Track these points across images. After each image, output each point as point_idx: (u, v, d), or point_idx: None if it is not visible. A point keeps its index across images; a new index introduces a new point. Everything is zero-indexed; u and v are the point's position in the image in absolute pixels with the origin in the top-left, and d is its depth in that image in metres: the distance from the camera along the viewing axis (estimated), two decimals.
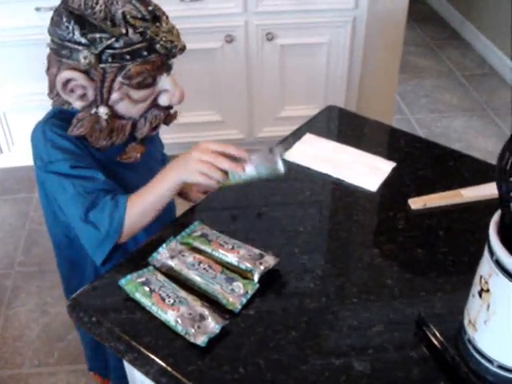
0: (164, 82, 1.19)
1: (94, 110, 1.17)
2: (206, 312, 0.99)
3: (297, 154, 1.43)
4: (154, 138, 1.36)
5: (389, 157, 1.42)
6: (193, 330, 0.96)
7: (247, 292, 1.04)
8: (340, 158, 1.41)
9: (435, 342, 0.97)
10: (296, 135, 1.50)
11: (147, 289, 1.03)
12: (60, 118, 1.23)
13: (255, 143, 2.92)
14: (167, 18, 1.18)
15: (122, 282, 1.05)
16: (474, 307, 0.90)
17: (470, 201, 1.28)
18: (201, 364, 0.94)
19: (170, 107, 1.24)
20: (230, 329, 0.99)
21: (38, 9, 2.43)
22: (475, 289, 0.90)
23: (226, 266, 1.09)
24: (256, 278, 1.06)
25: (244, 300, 1.03)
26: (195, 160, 1.11)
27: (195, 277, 1.06)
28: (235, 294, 1.03)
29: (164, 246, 1.13)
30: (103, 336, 1.01)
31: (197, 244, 1.13)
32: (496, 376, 0.90)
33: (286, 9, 2.55)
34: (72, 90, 1.16)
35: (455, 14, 4.39)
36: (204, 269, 1.07)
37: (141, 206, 1.16)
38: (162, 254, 1.12)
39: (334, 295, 1.07)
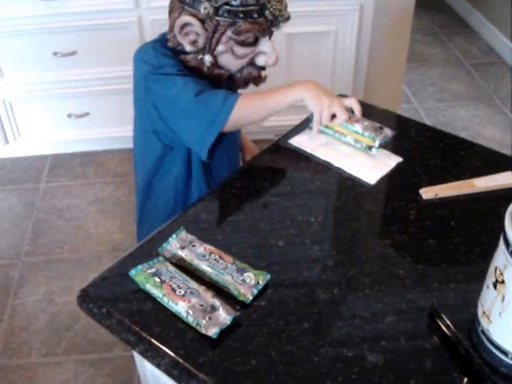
0: (264, 44, 1.34)
1: (200, 56, 1.33)
2: (218, 303, 0.98)
3: (304, 141, 1.42)
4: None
5: (399, 146, 1.41)
6: (204, 322, 0.95)
7: (258, 283, 1.04)
8: (345, 148, 1.40)
9: (448, 334, 0.96)
10: (304, 124, 1.48)
11: (158, 280, 1.02)
12: (165, 44, 1.38)
13: (260, 132, 2.90)
14: None
15: (133, 272, 1.04)
16: (489, 298, 0.89)
17: (482, 191, 1.26)
18: (212, 356, 0.93)
19: (263, 68, 1.39)
20: (242, 320, 0.98)
21: None
22: (490, 280, 0.89)
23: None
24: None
25: (255, 291, 1.03)
26: (329, 99, 1.33)
27: (206, 267, 1.06)
28: (246, 285, 1.03)
29: (174, 236, 1.12)
30: (113, 327, 1.00)
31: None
32: (510, 367, 0.89)
33: None
34: (187, 34, 1.31)
35: (462, 2, 4.35)
36: (215, 259, 1.07)
37: (254, 103, 1.33)
38: (172, 245, 1.11)
39: (346, 286, 1.06)
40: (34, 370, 2.00)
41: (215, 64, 1.35)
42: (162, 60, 1.34)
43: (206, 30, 1.29)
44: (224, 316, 0.96)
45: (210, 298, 0.99)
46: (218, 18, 1.27)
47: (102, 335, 2.06)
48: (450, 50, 3.92)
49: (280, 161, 1.41)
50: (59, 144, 2.93)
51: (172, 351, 0.94)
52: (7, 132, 2.83)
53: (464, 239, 1.16)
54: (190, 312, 0.97)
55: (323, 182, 1.34)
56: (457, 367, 0.93)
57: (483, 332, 0.92)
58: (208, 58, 1.33)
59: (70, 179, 2.82)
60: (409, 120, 1.57)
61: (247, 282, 1.03)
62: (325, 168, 1.35)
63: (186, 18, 1.28)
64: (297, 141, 1.42)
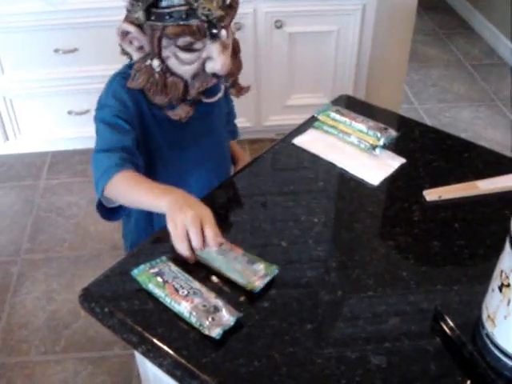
0: (209, 49, 1.22)
1: (148, 62, 1.25)
2: (221, 304, 0.97)
3: (308, 141, 1.42)
4: (220, 105, 1.44)
5: (402, 147, 1.40)
6: (207, 322, 0.95)
7: (267, 274, 1.04)
8: (349, 149, 1.39)
9: (452, 336, 0.96)
10: (308, 124, 1.48)
11: (160, 280, 1.02)
12: (129, 72, 1.31)
13: (262, 131, 2.90)
14: None
15: (135, 272, 1.04)
16: (494, 302, 0.88)
17: (486, 193, 1.26)
18: (215, 357, 0.93)
19: (217, 76, 1.27)
20: (245, 321, 0.98)
21: None
22: (495, 283, 0.88)
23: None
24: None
25: (265, 281, 1.03)
26: (186, 214, 1.06)
27: (217, 255, 1.06)
28: (256, 275, 1.04)
29: None
30: (116, 327, 1.00)
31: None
32: None
33: None
34: (130, 42, 1.26)
35: (464, 3, 4.35)
36: (224, 250, 1.08)
37: (126, 189, 1.20)
38: None
39: (349, 287, 1.06)
40: (33, 367, 2.00)
41: (167, 70, 1.26)
42: (108, 100, 1.29)
43: (145, 34, 1.23)
44: (227, 317, 0.96)
45: (213, 298, 0.98)
46: (150, 23, 1.20)
47: (101, 333, 2.05)
48: (451, 50, 3.92)
49: (283, 161, 1.40)
50: (59, 141, 2.92)
51: (175, 352, 0.94)
52: (7, 129, 2.82)
53: (468, 241, 1.15)
54: (193, 312, 0.96)
55: (326, 182, 1.33)
56: (460, 370, 0.92)
57: (487, 335, 0.91)
58: (156, 63, 1.24)
59: (70, 176, 2.81)
60: (412, 121, 1.56)
61: (257, 272, 1.04)
62: (328, 168, 1.35)
63: (124, 26, 1.23)
64: (300, 141, 1.42)
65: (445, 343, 0.96)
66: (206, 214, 1.08)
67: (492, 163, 1.38)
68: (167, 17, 1.18)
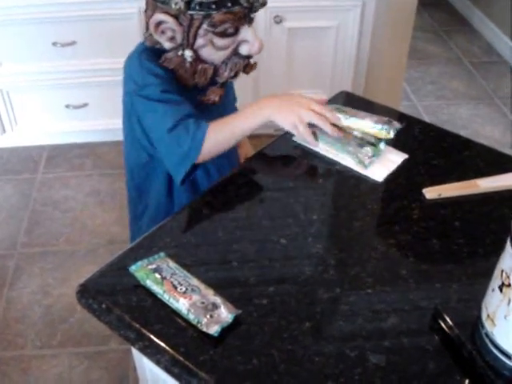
0: (245, 32, 1.29)
1: (180, 52, 1.29)
2: (219, 301, 0.97)
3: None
4: (229, 87, 1.52)
5: (402, 145, 1.39)
6: (205, 320, 0.94)
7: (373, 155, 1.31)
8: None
9: (451, 335, 0.96)
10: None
11: (158, 276, 1.01)
12: (150, 52, 1.34)
13: (261, 127, 2.89)
14: None
15: (133, 268, 1.03)
16: (494, 301, 0.88)
17: (486, 191, 1.25)
18: (213, 354, 0.92)
19: (249, 56, 1.34)
20: (243, 319, 0.97)
21: None
22: (495, 283, 0.88)
23: None
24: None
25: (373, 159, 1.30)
26: (296, 112, 1.29)
27: (333, 140, 1.34)
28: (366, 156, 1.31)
29: None
30: (113, 323, 0.99)
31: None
32: None
33: None
34: (163, 32, 1.27)
35: (463, 1, 4.34)
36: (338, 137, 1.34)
37: (221, 134, 1.30)
38: None
39: (349, 285, 1.05)
40: (29, 362, 1.99)
41: (197, 58, 1.31)
42: (147, 79, 1.30)
43: (181, 25, 1.25)
44: (225, 314, 0.95)
45: (211, 295, 0.98)
46: (190, 12, 1.22)
47: (97, 328, 2.04)
48: (450, 48, 3.91)
49: (283, 157, 1.40)
50: (57, 135, 2.91)
51: (172, 349, 0.93)
52: (4, 122, 2.81)
53: (467, 240, 1.15)
54: (191, 310, 0.95)
55: (326, 179, 1.33)
56: (459, 370, 0.92)
57: (487, 335, 0.91)
58: (188, 53, 1.28)
59: (67, 170, 2.80)
60: (411, 118, 1.55)
61: (367, 153, 1.32)
62: (328, 165, 1.34)
63: (158, 16, 1.25)
64: (301, 137, 1.41)
65: (444, 342, 0.96)
66: (307, 101, 1.31)
67: (492, 161, 1.37)
68: (213, 5, 1.21)
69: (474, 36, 4.06)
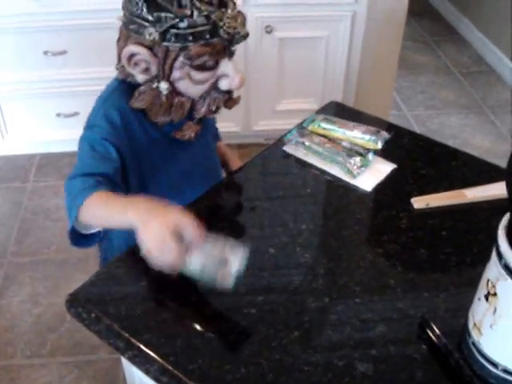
0: (225, 66, 1.21)
1: (155, 85, 1.21)
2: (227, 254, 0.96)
3: (297, 147, 1.41)
4: (210, 123, 1.44)
5: (390, 155, 1.40)
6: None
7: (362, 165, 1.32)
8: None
9: (438, 344, 0.96)
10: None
11: None
12: (122, 88, 1.27)
13: (251, 136, 2.90)
14: (234, 4, 1.21)
15: None
16: (480, 310, 0.89)
17: (473, 201, 1.27)
18: (202, 363, 0.93)
19: (229, 91, 1.26)
20: (232, 328, 0.98)
21: None
22: (481, 292, 0.88)
23: None
24: None
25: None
26: (159, 223, 0.97)
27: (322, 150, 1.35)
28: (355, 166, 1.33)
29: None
30: (102, 333, 0.99)
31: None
32: (500, 380, 0.89)
33: (285, 2, 2.54)
34: (136, 64, 1.19)
35: (452, 10, 4.37)
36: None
37: (96, 211, 1.11)
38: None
39: (337, 295, 1.06)
40: (18, 371, 1.98)
41: (173, 91, 1.22)
42: (98, 121, 1.23)
43: (155, 56, 1.17)
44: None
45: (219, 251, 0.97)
46: (165, 44, 1.15)
47: (87, 337, 2.04)
48: (439, 57, 3.94)
49: (272, 166, 1.41)
50: (48, 143, 2.91)
51: (161, 358, 0.93)
52: None
53: (455, 249, 1.16)
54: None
55: (315, 189, 1.34)
56: (447, 378, 0.93)
57: (474, 344, 0.91)
58: (164, 85, 1.20)
59: (58, 179, 2.79)
60: (400, 128, 1.57)
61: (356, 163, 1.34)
62: (317, 175, 1.35)
63: (131, 48, 1.17)
64: (291, 147, 1.42)
65: (431, 351, 0.97)
66: (177, 218, 0.97)
67: (479, 171, 1.39)
68: (190, 37, 1.14)
69: (463, 45, 4.09)
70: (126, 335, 0.97)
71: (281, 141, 1.43)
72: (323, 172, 1.35)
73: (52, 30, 2.52)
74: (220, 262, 0.96)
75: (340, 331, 0.99)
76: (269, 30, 2.58)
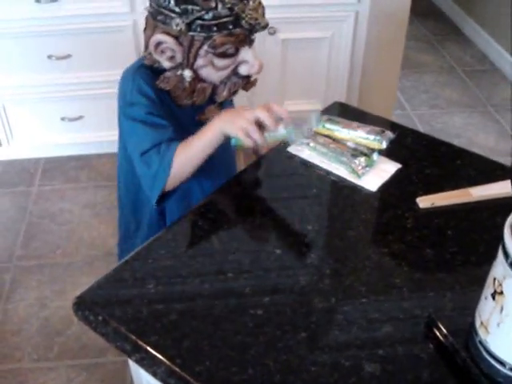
0: (245, 53, 1.30)
1: (179, 72, 1.30)
2: None
3: (302, 148, 1.42)
4: (230, 105, 1.52)
5: (395, 154, 1.40)
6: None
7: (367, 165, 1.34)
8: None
9: (445, 343, 0.96)
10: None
11: None
12: (146, 71, 1.34)
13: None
14: None
15: None
16: (487, 309, 0.89)
17: (479, 200, 1.26)
18: (209, 365, 0.93)
19: (248, 76, 1.35)
20: (238, 329, 0.98)
21: (38, 0, 2.40)
22: (488, 291, 0.88)
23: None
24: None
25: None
26: (243, 117, 1.23)
27: (328, 151, 1.37)
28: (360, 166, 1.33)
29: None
30: (110, 336, 0.99)
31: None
32: (507, 378, 0.89)
33: (288, 3, 2.54)
34: (162, 51, 1.28)
35: (456, 9, 4.37)
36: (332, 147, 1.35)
37: (187, 152, 1.27)
38: None
39: (343, 295, 1.06)
40: (26, 374, 1.99)
41: (196, 78, 1.32)
42: (135, 97, 1.31)
43: (181, 45, 1.27)
44: None
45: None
46: (191, 34, 1.24)
47: (94, 340, 2.04)
48: (443, 56, 3.94)
49: (277, 167, 1.41)
50: (52, 147, 2.91)
51: (168, 360, 0.93)
52: (1, 135, 2.81)
53: (461, 248, 1.16)
54: None
55: (320, 189, 1.34)
56: (454, 378, 0.93)
57: (481, 342, 0.91)
58: (188, 73, 1.29)
59: (63, 183, 2.80)
60: (404, 128, 1.57)
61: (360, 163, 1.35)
62: (322, 175, 1.35)
63: (158, 37, 1.26)
64: (295, 148, 1.42)
65: (438, 350, 0.96)
66: (254, 109, 1.24)
67: (484, 170, 1.38)
68: (215, 28, 1.23)
69: (467, 44, 4.09)
70: (133, 338, 0.97)
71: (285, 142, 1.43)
72: (328, 172, 1.35)
73: (56, 34, 2.53)
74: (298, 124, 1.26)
75: (347, 331, 0.99)
76: (272, 32, 2.58)
